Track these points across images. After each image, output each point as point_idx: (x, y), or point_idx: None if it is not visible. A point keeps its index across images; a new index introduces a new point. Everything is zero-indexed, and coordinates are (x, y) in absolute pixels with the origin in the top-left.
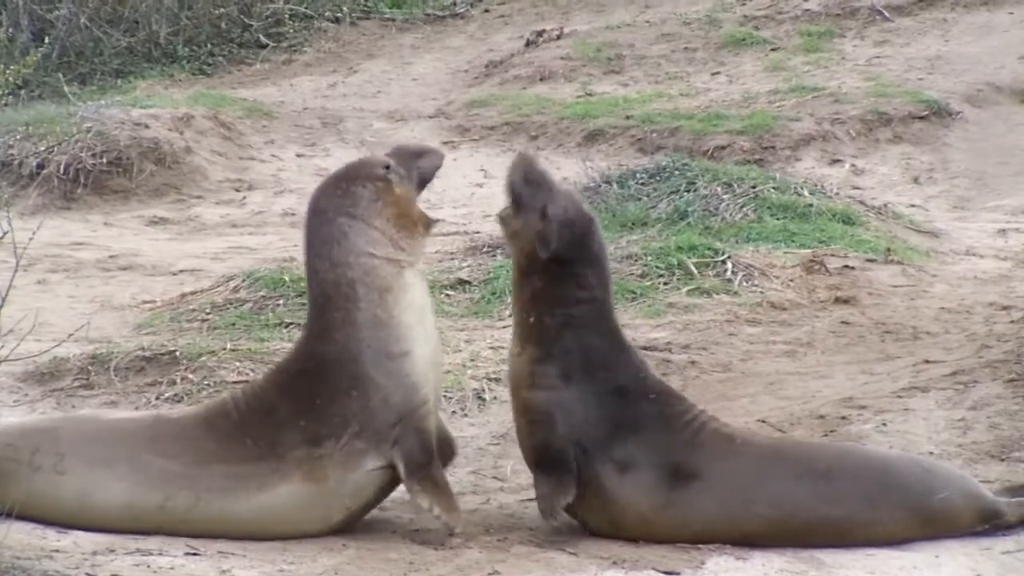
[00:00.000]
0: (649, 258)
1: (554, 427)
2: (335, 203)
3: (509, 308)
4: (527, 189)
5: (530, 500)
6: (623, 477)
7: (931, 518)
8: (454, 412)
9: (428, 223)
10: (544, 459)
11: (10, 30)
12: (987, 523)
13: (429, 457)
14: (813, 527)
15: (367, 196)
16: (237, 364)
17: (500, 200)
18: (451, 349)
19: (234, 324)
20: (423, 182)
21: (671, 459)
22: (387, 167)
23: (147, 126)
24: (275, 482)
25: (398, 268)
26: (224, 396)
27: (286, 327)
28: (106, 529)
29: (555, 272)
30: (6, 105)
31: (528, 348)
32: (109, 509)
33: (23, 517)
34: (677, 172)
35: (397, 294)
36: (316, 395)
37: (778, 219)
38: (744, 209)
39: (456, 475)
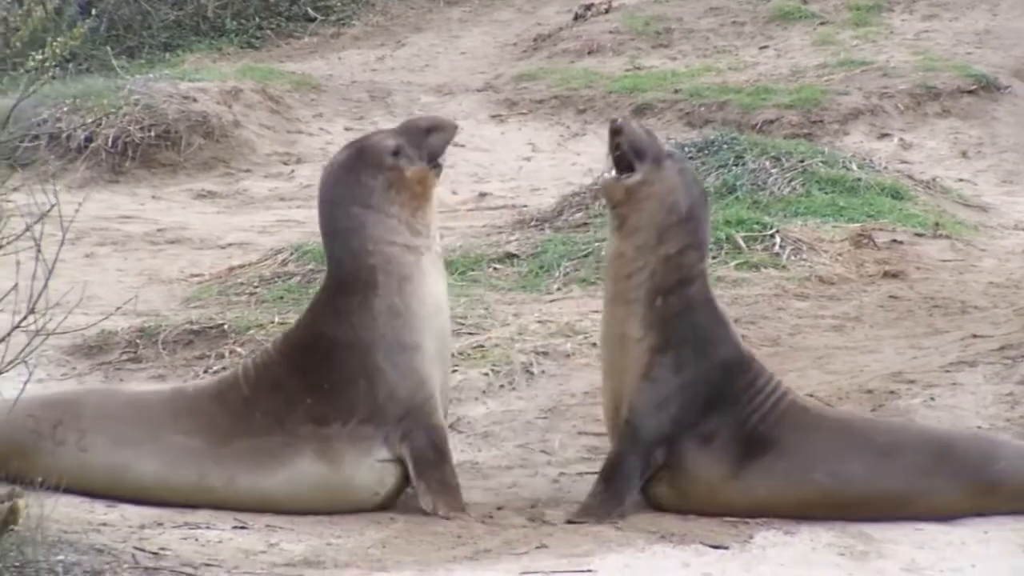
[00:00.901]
0: None
1: (639, 437)
2: (348, 194)
3: (558, 282)
4: (650, 138)
5: (577, 474)
6: (703, 450)
7: (990, 488)
8: (502, 386)
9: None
10: (615, 470)
11: (58, 2)
12: None
13: (440, 456)
14: (868, 499)
15: (380, 187)
16: None
17: (547, 174)
18: (499, 323)
19: (282, 297)
20: (433, 158)
21: (747, 430)
22: (395, 152)
23: (195, 99)
24: (290, 457)
25: (417, 255)
26: (235, 368)
27: None
28: (143, 503)
29: (690, 232)
30: (54, 78)
31: (650, 335)
32: (143, 486)
33: (69, 491)
34: (725, 146)
35: (416, 283)
36: (324, 377)
37: (826, 193)
38: (792, 183)
39: (503, 448)
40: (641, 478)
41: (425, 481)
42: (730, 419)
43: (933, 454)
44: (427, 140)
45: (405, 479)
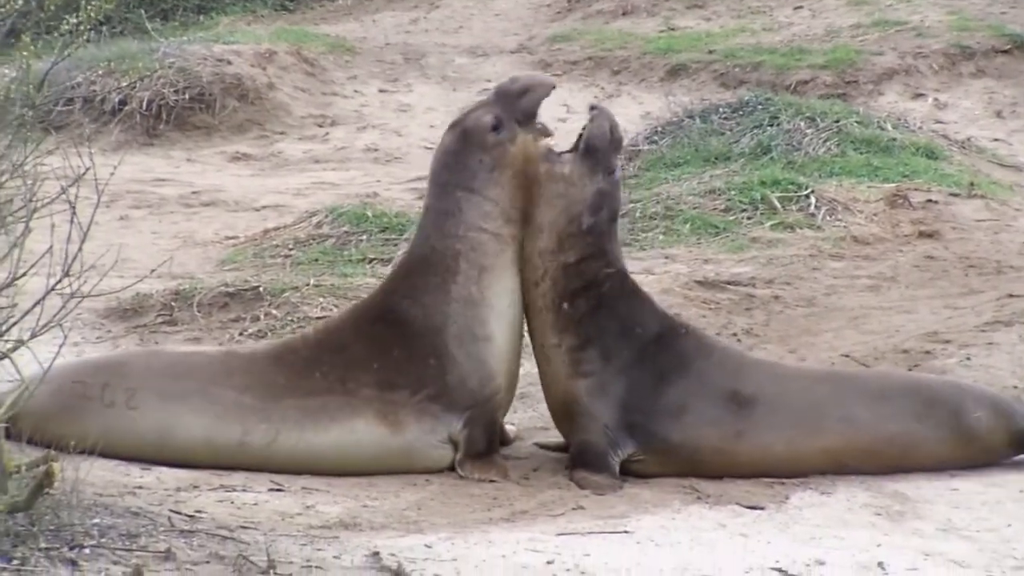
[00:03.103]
0: (732, 193)
1: (595, 422)
2: (455, 177)
3: None
4: (608, 145)
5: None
6: (682, 420)
7: (969, 438)
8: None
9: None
10: (585, 457)
11: None
12: (1018, 447)
13: (490, 451)
14: (877, 444)
15: (485, 168)
16: (320, 300)
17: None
18: None
19: (317, 260)
20: (528, 119)
21: (725, 387)
22: (496, 127)
23: (230, 62)
24: (347, 416)
25: (503, 246)
26: (295, 335)
27: (369, 262)
28: (186, 464)
29: (589, 244)
30: (88, 41)
31: (566, 338)
32: (188, 444)
33: (104, 454)
34: (760, 107)
35: (495, 275)
36: (394, 345)
37: (861, 153)
38: (827, 143)
39: (539, 409)
40: (611, 457)
41: (471, 461)
42: (697, 382)
43: (919, 399)
44: (519, 102)
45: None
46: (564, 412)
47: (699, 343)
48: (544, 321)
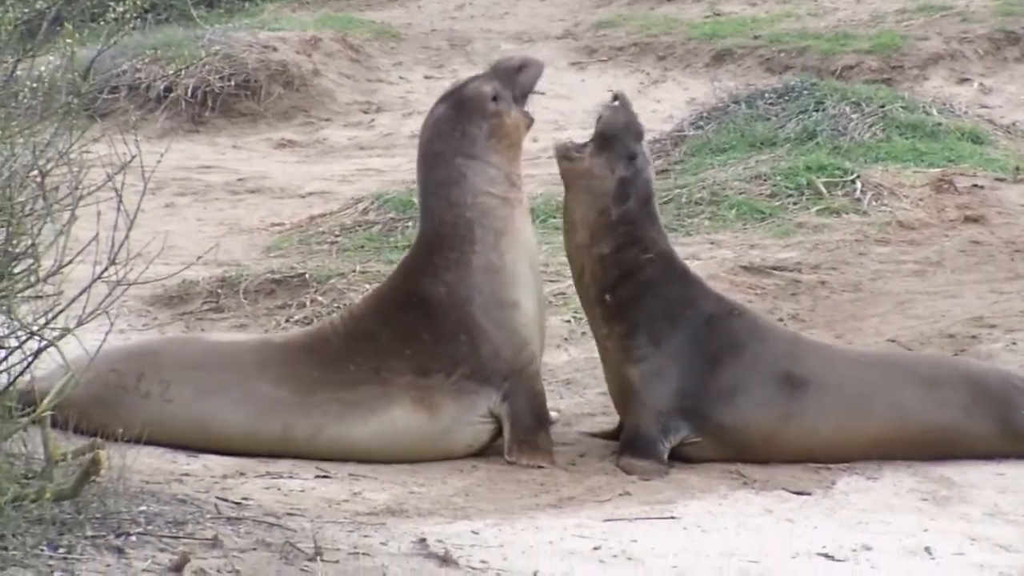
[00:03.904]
0: (778, 178)
1: (647, 408)
2: (452, 145)
3: None
4: (625, 133)
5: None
6: (735, 401)
7: (1015, 434)
8: (583, 333)
9: (529, 123)
10: (635, 443)
11: None
12: None
13: (540, 423)
14: (927, 431)
15: (483, 134)
16: (367, 286)
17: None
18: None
19: (363, 246)
20: (524, 96)
21: (779, 368)
22: (494, 97)
23: (275, 49)
24: (384, 406)
25: (511, 208)
26: (323, 323)
27: None
28: (227, 453)
29: (623, 234)
30: (134, 29)
31: (615, 326)
32: (228, 437)
33: (151, 441)
34: (805, 92)
35: (512, 238)
36: (422, 328)
37: (907, 138)
38: (873, 128)
39: (586, 396)
40: (662, 443)
41: (519, 445)
42: (751, 363)
43: (970, 389)
44: (517, 78)
45: (497, 434)
46: (622, 399)
47: (753, 324)
48: (594, 313)
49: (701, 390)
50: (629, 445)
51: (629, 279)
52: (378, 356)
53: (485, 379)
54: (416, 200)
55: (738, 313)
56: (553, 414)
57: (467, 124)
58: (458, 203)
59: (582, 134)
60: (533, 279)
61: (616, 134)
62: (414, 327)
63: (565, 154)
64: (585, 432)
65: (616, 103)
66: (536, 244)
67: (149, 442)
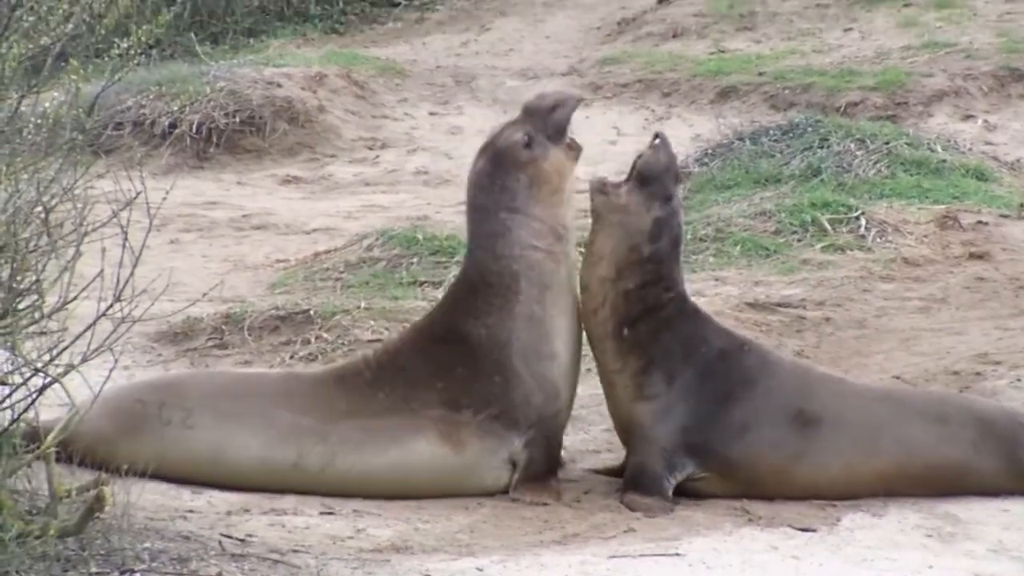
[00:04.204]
0: (783, 215)
1: (653, 444)
2: (493, 199)
3: None
4: (665, 174)
5: None
6: (746, 438)
7: (1021, 471)
8: (589, 370)
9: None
10: (639, 480)
11: None
12: None
13: (551, 471)
14: (934, 468)
15: (523, 186)
16: (371, 323)
17: (632, 157)
18: None
19: (368, 283)
20: (559, 134)
21: (790, 404)
22: (527, 143)
23: (280, 85)
24: (410, 436)
25: (557, 263)
26: (356, 357)
27: (420, 285)
28: (240, 486)
29: (649, 271)
30: (139, 65)
31: (629, 362)
32: (242, 464)
33: (156, 476)
34: (810, 129)
35: (556, 294)
36: (457, 364)
37: (911, 175)
38: (877, 165)
39: (591, 432)
40: (667, 480)
41: (527, 485)
42: (758, 402)
43: (976, 426)
44: (550, 118)
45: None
46: (627, 434)
47: (763, 359)
48: (606, 348)
49: (711, 425)
50: (633, 482)
51: (649, 315)
52: (409, 386)
53: (512, 423)
54: (420, 237)
55: (748, 348)
56: (562, 452)
57: (505, 177)
58: (504, 255)
59: (588, 170)
60: (573, 333)
61: (656, 175)
62: (450, 361)
63: (601, 188)
64: (589, 469)
65: (657, 142)
66: (577, 300)
67: (157, 475)
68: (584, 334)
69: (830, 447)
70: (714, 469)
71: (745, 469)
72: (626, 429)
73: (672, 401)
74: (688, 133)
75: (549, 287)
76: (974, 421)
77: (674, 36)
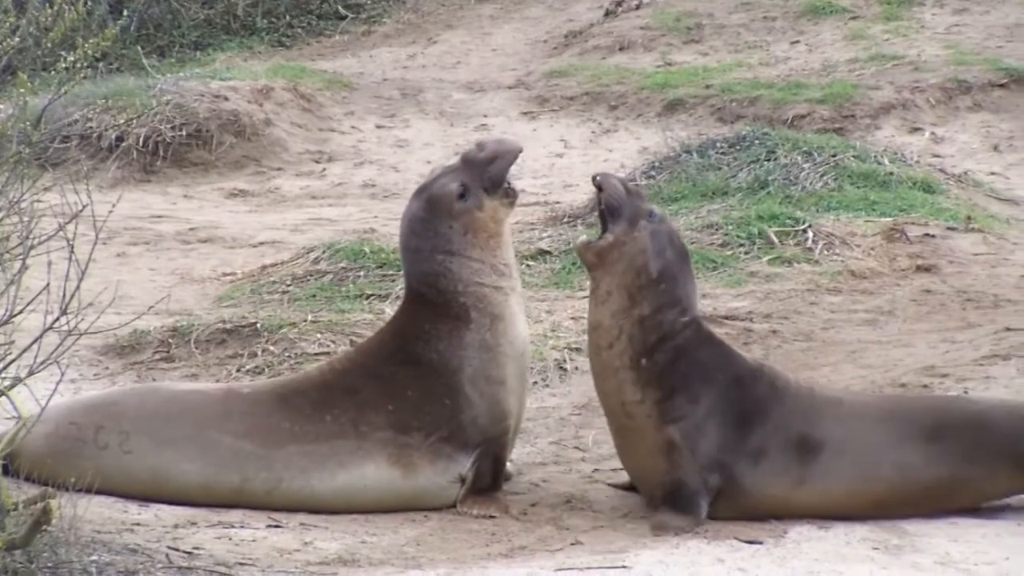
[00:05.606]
0: (730, 227)
1: (691, 462)
2: (428, 243)
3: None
4: (630, 195)
5: (612, 470)
6: (758, 466)
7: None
8: (535, 383)
9: (511, 201)
10: (678, 498)
11: (88, 3)
12: None
13: (495, 487)
14: (928, 489)
15: (457, 233)
16: (318, 336)
17: (579, 170)
18: (532, 320)
19: (315, 296)
20: (495, 187)
21: (796, 432)
22: (462, 194)
23: (226, 98)
24: (358, 461)
25: (505, 296)
26: (297, 375)
27: (367, 298)
28: (185, 504)
29: (663, 292)
30: (85, 78)
31: (649, 392)
32: (184, 490)
33: (103, 491)
34: (757, 141)
35: (507, 324)
36: (408, 387)
37: (858, 188)
38: (824, 178)
39: (537, 445)
40: (704, 498)
41: (472, 497)
42: (770, 429)
43: (971, 435)
44: (488, 169)
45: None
46: (654, 465)
47: (773, 384)
48: (622, 380)
49: (734, 449)
50: (670, 500)
51: (666, 343)
52: (358, 408)
53: (462, 444)
54: (367, 250)
55: (760, 375)
56: (509, 465)
57: (438, 224)
58: (448, 291)
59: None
60: (522, 363)
61: (622, 200)
62: (400, 384)
63: (587, 248)
64: (610, 483)
65: (599, 179)
66: (527, 329)
67: (100, 491)
68: (591, 371)
69: (831, 474)
70: (724, 491)
71: (751, 496)
72: (652, 455)
73: (700, 419)
74: (635, 146)
75: (500, 317)
76: (970, 428)
77: (621, 49)
